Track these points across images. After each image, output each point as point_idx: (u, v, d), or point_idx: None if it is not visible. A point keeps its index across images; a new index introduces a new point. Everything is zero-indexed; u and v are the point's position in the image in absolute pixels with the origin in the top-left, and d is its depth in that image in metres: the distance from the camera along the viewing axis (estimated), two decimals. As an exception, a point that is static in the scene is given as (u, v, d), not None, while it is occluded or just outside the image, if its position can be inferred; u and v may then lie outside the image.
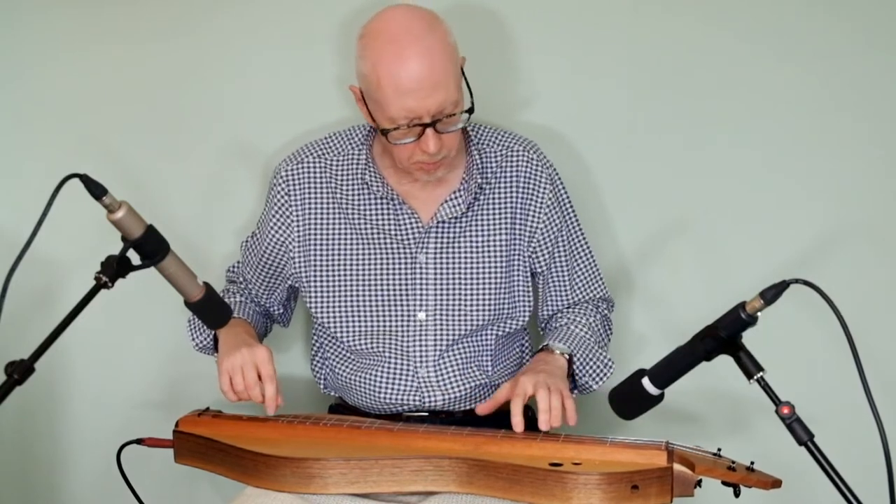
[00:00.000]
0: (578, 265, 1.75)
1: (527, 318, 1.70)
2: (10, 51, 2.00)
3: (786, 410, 1.22)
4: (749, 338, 1.28)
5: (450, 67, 1.48)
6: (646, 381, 1.35)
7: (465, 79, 1.55)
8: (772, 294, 1.22)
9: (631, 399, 1.39)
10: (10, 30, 2.00)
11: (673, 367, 1.34)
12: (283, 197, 1.68)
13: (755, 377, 1.25)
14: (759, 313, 1.24)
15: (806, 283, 1.22)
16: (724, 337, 1.27)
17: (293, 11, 1.93)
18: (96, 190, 1.22)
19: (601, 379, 1.65)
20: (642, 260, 1.92)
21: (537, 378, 1.51)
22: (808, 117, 1.83)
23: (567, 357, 1.61)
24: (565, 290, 1.74)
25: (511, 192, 1.67)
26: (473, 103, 1.54)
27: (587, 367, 1.64)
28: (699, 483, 1.35)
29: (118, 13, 1.98)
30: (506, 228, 1.66)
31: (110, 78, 2.00)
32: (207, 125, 2.00)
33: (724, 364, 1.30)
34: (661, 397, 1.37)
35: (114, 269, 1.26)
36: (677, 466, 1.34)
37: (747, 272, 1.84)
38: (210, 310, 1.42)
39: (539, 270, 1.71)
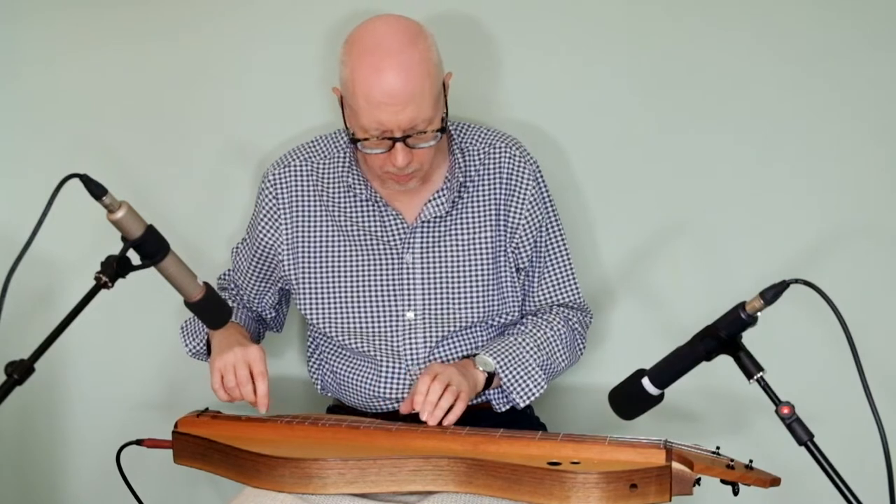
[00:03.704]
0: (554, 266, 1.72)
1: (517, 314, 1.70)
2: (10, 51, 2.01)
3: (786, 410, 1.22)
4: (749, 338, 1.28)
5: (426, 84, 1.46)
6: (646, 381, 1.35)
7: (446, 96, 1.54)
8: (772, 294, 1.22)
9: (631, 399, 1.39)
10: (10, 30, 2.00)
11: (673, 367, 1.34)
12: (270, 200, 1.69)
13: (755, 377, 1.25)
14: (759, 313, 1.24)
15: (806, 283, 1.22)
16: (724, 337, 1.27)
17: (292, 11, 1.93)
18: (96, 190, 1.22)
19: (524, 399, 1.63)
20: (642, 260, 1.92)
21: (448, 371, 1.53)
22: (808, 117, 1.83)
23: (486, 374, 1.60)
24: (536, 291, 1.72)
25: (494, 188, 1.67)
26: (446, 123, 1.53)
27: (514, 385, 1.62)
28: (698, 481, 1.34)
29: (118, 14, 1.98)
30: (491, 225, 1.66)
31: (110, 78, 2.00)
32: (208, 125, 2.00)
33: (724, 364, 1.30)
34: (661, 397, 1.37)
35: (114, 269, 1.25)
36: (676, 465, 1.34)
37: (747, 272, 1.84)
38: (210, 309, 1.42)
39: (522, 266, 1.70)
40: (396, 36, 1.47)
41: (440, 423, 1.49)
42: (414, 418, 1.52)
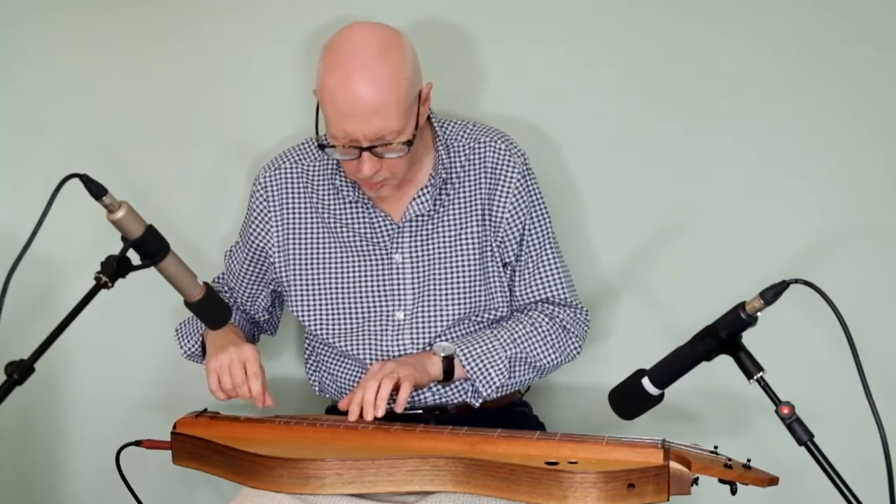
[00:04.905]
0: (539, 261, 1.69)
1: (505, 309, 1.69)
2: (10, 51, 2.01)
3: (786, 410, 1.22)
4: (749, 338, 1.28)
5: (395, 97, 1.46)
6: (646, 381, 1.35)
7: (419, 108, 1.52)
8: (772, 294, 1.22)
9: (631, 399, 1.39)
10: (10, 30, 2.00)
11: (673, 367, 1.34)
12: (261, 203, 1.69)
13: (755, 377, 1.25)
14: (759, 313, 1.24)
15: (806, 283, 1.22)
16: (724, 337, 1.27)
17: (292, 11, 1.94)
18: (96, 190, 1.23)
19: (486, 387, 1.61)
20: (642, 260, 1.92)
21: (384, 366, 1.53)
22: (808, 117, 1.83)
23: (443, 357, 1.60)
24: (520, 286, 1.69)
25: (479, 183, 1.66)
26: (415, 136, 1.52)
27: (477, 373, 1.60)
28: (696, 481, 1.34)
29: (118, 14, 1.99)
30: (476, 220, 1.66)
31: (110, 78, 2.01)
32: (207, 125, 2.00)
33: (724, 364, 1.29)
34: (661, 397, 1.37)
35: (114, 269, 1.26)
36: (673, 465, 1.34)
37: (747, 272, 1.84)
38: (210, 310, 1.43)
39: (508, 261, 1.68)
40: (369, 47, 1.46)
41: (393, 413, 1.50)
42: (407, 418, 1.52)
